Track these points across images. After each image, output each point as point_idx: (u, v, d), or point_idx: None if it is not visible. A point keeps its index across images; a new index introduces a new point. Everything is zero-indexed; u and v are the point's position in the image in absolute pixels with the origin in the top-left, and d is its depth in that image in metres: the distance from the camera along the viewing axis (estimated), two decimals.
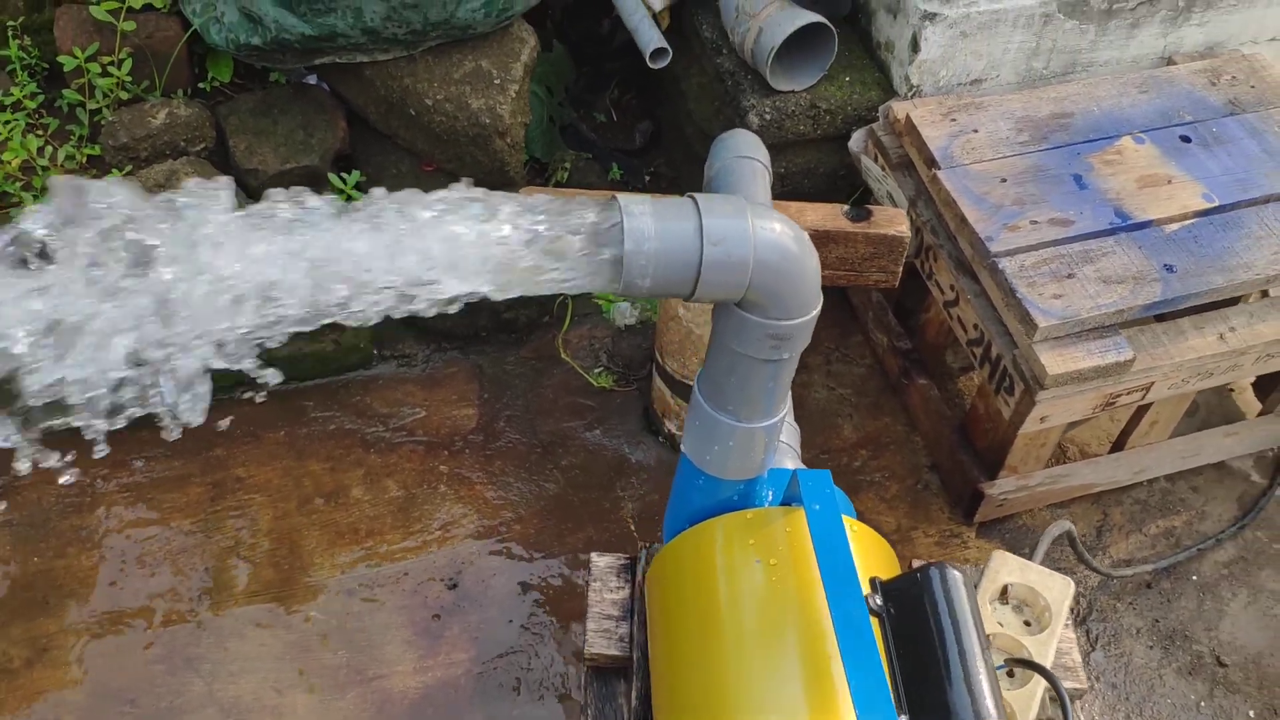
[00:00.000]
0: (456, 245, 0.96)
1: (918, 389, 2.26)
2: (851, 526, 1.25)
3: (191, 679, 1.95)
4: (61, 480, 1.73)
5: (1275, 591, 2.16)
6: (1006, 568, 1.51)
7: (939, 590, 1.19)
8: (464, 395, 2.34)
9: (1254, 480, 2.31)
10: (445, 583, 2.09)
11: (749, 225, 1.02)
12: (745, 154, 1.82)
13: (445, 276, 0.98)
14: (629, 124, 2.81)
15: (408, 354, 2.39)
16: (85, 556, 2.08)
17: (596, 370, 2.38)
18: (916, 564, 1.35)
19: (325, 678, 1.96)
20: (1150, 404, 2.04)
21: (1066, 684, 1.49)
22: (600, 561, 1.60)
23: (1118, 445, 2.21)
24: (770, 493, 1.32)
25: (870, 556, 1.26)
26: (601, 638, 1.52)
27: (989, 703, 1.12)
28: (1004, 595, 1.51)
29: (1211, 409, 2.37)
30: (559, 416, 2.33)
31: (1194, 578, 2.17)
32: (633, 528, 2.18)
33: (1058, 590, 1.49)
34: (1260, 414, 2.29)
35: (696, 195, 1.03)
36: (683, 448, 1.28)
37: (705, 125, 2.42)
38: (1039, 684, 1.46)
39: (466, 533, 2.15)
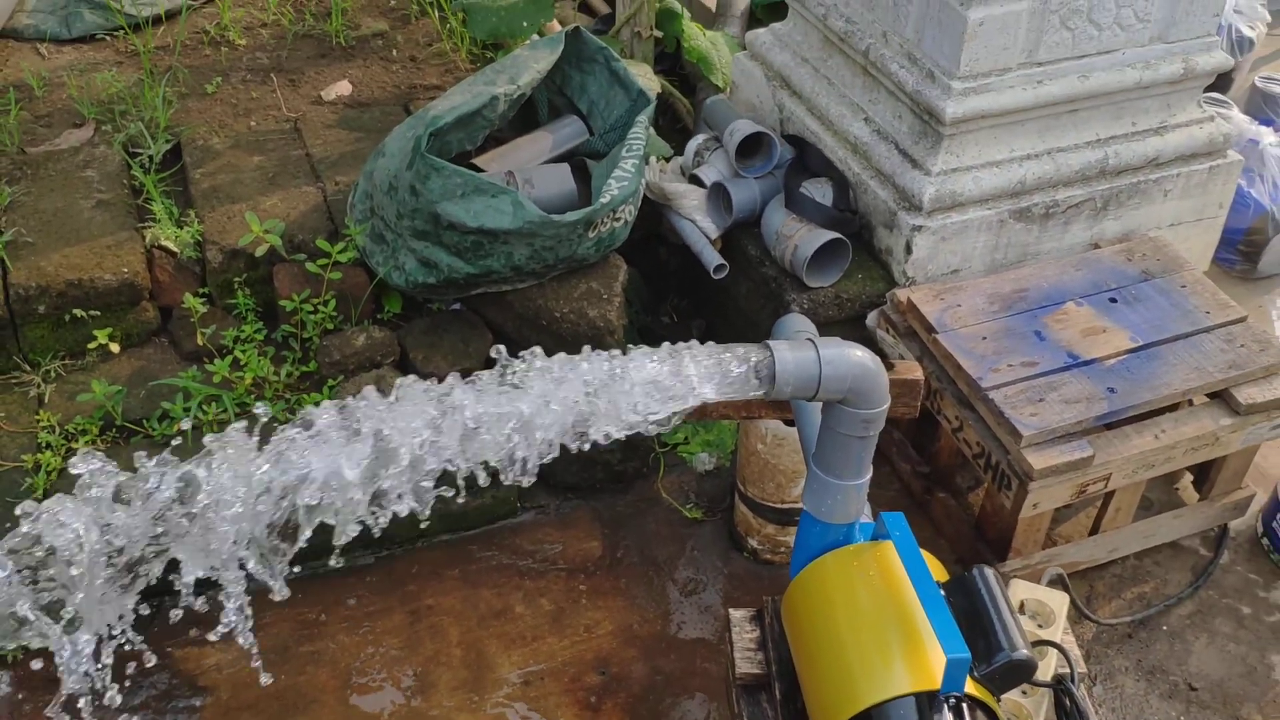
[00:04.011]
0: (690, 373, 1.70)
1: (939, 501, 2.97)
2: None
3: None
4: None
5: (1227, 634, 2.82)
6: (1021, 589, 2.20)
7: (981, 582, 1.89)
8: (589, 532, 3.04)
9: (1202, 554, 3.01)
10: (597, 671, 2.73)
11: (847, 353, 1.76)
12: (800, 328, 2.60)
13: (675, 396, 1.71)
14: (686, 323, 3.61)
15: (543, 504, 3.08)
16: (322, 671, 2.72)
17: (688, 506, 3.09)
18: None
19: None
20: (1113, 492, 2.75)
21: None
22: (736, 613, 2.27)
23: (1093, 532, 2.91)
24: (860, 535, 2.02)
25: (932, 567, 1.95)
26: (746, 662, 2.18)
27: (1021, 641, 1.80)
28: (1020, 608, 2.20)
29: (1163, 505, 3.08)
30: (665, 543, 3.02)
31: (1164, 627, 2.84)
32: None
33: (1057, 600, 2.17)
34: (1199, 501, 3.00)
35: (814, 338, 1.78)
36: (804, 506, 1.99)
37: (754, 317, 3.21)
38: (1045, 695, 2.12)
39: (607, 632, 2.80)
